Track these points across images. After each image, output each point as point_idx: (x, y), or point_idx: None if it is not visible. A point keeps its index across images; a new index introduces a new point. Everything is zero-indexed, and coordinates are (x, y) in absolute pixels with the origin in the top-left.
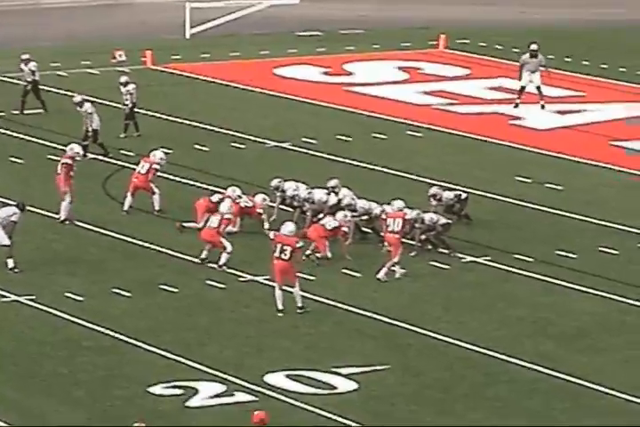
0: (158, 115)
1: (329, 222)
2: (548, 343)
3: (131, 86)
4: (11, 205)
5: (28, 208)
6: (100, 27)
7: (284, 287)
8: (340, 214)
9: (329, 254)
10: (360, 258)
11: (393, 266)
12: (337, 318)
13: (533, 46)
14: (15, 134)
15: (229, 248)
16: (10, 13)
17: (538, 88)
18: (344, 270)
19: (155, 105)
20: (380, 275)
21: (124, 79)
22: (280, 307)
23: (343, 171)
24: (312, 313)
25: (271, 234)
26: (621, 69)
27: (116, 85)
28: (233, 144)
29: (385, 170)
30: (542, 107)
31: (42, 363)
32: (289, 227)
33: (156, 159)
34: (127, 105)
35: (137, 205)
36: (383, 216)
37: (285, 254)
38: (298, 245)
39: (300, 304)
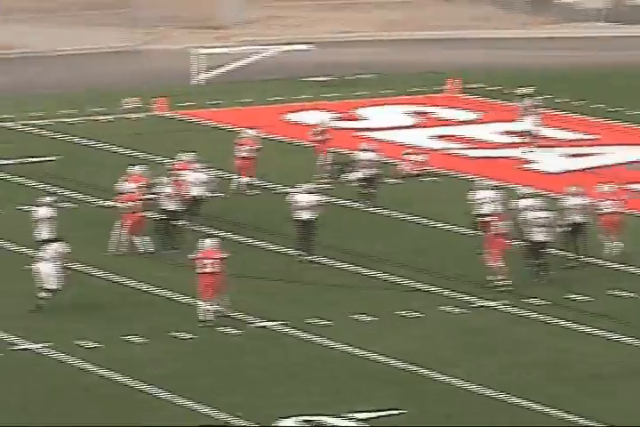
0: (164, 160)
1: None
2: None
3: (372, 155)
4: None
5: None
6: (109, 74)
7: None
8: None
9: None
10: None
11: None
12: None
13: (527, 89)
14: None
15: None
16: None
17: (532, 130)
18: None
19: (163, 151)
20: None
21: (364, 146)
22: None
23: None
24: (327, 358)
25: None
26: (636, 112)
27: (125, 132)
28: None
29: (401, 216)
30: (532, 151)
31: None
32: (209, 242)
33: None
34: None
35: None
36: None
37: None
38: (223, 256)
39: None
